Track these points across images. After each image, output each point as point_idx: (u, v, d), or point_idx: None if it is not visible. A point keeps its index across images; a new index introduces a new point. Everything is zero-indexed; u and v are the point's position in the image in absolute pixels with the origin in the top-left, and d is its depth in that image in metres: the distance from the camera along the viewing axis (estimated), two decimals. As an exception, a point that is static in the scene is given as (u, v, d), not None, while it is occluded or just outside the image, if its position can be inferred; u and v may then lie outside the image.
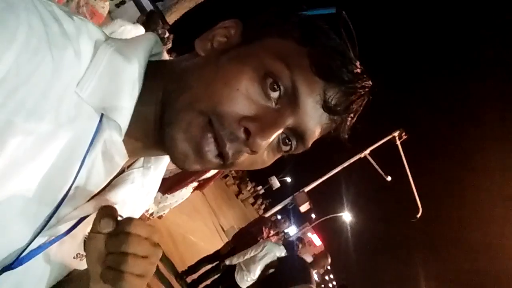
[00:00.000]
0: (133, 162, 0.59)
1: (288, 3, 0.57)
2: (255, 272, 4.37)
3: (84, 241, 0.52)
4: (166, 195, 3.67)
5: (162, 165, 0.64)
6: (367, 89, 0.55)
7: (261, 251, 4.49)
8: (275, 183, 21.00)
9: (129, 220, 0.48)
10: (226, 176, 19.44)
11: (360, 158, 12.66)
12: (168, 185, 3.35)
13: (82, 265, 0.58)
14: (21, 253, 0.47)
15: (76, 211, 0.51)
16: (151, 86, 0.52)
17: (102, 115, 0.48)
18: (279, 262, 4.37)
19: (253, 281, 4.39)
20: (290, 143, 0.54)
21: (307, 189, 12.51)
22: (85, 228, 0.54)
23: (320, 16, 0.56)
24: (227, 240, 5.53)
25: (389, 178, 12.56)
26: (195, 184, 3.84)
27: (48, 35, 0.42)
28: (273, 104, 0.51)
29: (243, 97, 0.49)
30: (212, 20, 0.59)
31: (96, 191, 0.52)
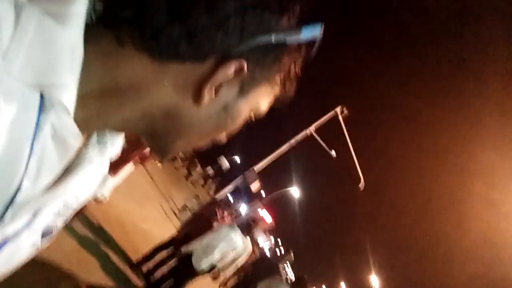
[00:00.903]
0: (86, 140, 0.52)
1: None
2: (213, 256, 4.43)
3: None
4: (109, 177, 3.53)
5: (117, 138, 0.59)
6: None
7: (217, 235, 4.55)
8: (225, 163, 21.04)
9: None
10: (174, 158, 19.14)
11: (306, 135, 13.05)
12: (112, 166, 3.21)
13: (37, 251, 0.57)
14: None
15: (32, 203, 0.47)
16: (92, 49, 0.44)
17: (42, 96, 0.41)
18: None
19: (211, 265, 4.45)
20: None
21: (256, 167, 12.71)
22: (44, 217, 0.52)
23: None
24: (180, 225, 5.51)
25: (333, 153, 13.09)
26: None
27: None
28: None
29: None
30: None
31: (52, 180, 0.48)
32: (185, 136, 0.53)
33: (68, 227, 3.51)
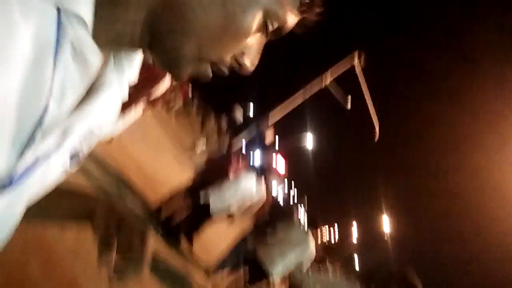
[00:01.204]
0: (104, 66, 0.53)
1: None
2: (230, 201, 4.55)
3: None
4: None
5: (135, 60, 0.59)
6: None
7: (233, 182, 4.63)
8: (239, 112, 21.00)
9: None
10: (189, 113, 19.17)
11: (322, 83, 12.77)
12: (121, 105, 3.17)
13: (65, 178, 0.58)
14: (12, 177, 0.44)
15: (60, 125, 0.47)
16: None
17: (59, 12, 0.41)
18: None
19: (228, 209, 4.57)
20: (271, 25, 0.55)
21: (271, 114, 12.64)
22: (72, 141, 0.52)
23: None
24: (195, 172, 5.60)
25: (349, 106, 12.85)
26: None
27: None
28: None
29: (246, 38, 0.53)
30: None
31: (75, 100, 0.48)
32: (192, 33, 0.49)
33: (86, 172, 3.60)
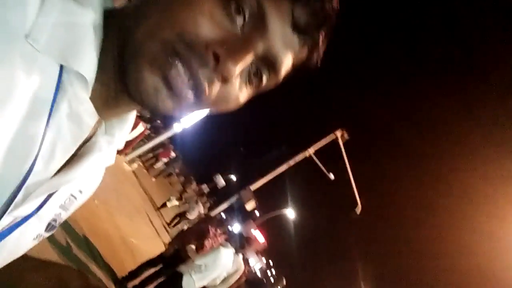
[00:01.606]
0: (95, 130, 0.52)
1: None
2: (204, 276, 4.24)
3: None
4: None
5: (125, 129, 0.58)
6: (334, 8, 0.53)
7: (209, 254, 4.39)
8: (220, 181, 20.85)
9: None
10: (170, 174, 18.94)
11: (304, 157, 12.93)
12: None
13: (36, 245, 0.55)
14: None
15: (44, 186, 0.45)
16: (109, 31, 0.47)
17: (61, 70, 0.42)
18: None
19: (202, 285, 4.25)
20: (262, 73, 0.52)
21: (252, 187, 12.54)
22: (53, 205, 0.51)
23: None
24: (170, 240, 5.31)
25: (332, 176, 12.95)
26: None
27: None
28: (239, 30, 0.47)
29: (208, 21, 0.45)
30: None
31: (63, 162, 0.47)
32: (148, 17, 0.46)
33: (50, 238, 3.32)
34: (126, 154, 10.01)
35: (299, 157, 12.94)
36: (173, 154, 15.34)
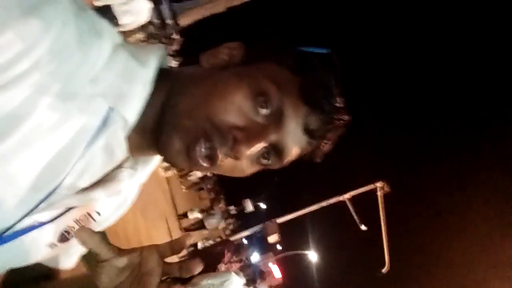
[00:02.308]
0: (123, 162, 0.60)
1: (288, 38, 0.65)
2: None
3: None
4: None
5: (148, 168, 0.66)
6: (343, 122, 0.61)
7: (220, 278, 4.21)
8: (249, 206, 20.65)
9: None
10: (201, 189, 19.02)
11: (339, 201, 12.47)
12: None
13: (51, 254, 0.61)
14: (5, 232, 0.50)
15: (66, 200, 0.53)
16: (158, 90, 0.56)
17: (109, 112, 0.51)
18: None
19: None
20: (268, 157, 0.60)
21: (279, 220, 12.23)
22: (68, 218, 0.59)
23: (314, 53, 0.62)
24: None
25: (364, 228, 12.35)
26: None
27: (79, 31, 0.47)
28: (261, 120, 0.57)
29: (236, 109, 0.55)
30: (221, 34, 0.57)
31: (88, 184, 0.55)
32: (190, 96, 0.56)
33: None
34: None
35: (333, 200, 12.50)
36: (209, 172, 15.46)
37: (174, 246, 0.57)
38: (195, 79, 0.59)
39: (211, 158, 0.55)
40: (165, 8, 9.52)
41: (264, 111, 0.56)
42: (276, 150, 0.59)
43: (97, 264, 0.52)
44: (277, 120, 0.57)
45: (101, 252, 0.51)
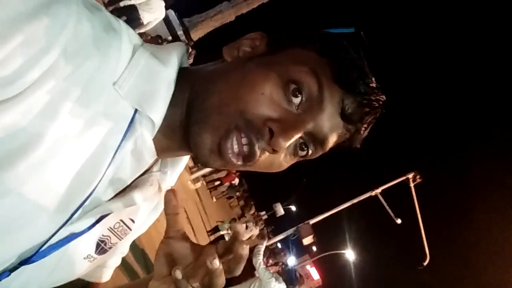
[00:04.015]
0: (151, 166, 0.60)
1: (309, 23, 0.63)
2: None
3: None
4: None
5: (177, 170, 0.65)
6: (381, 103, 0.58)
7: (260, 284, 4.20)
8: (280, 210, 20.57)
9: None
10: (231, 197, 19.12)
11: (370, 197, 12.23)
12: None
13: (89, 267, 0.59)
14: (42, 247, 0.48)
15: (99, 208, 0.51)
16: (180, 88, 0.55)
17: (134, 114, 0.50)
18: None
19: None
20: (306, 148, 0.57)
21: (312, 221, 12.11)
22: (102, 227, 0.57)
23: (340, 33, 0.60)
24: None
25: (399, 221, 12.05)
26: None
27: (95, 30, 0.45)
28: (294, 109, 0.54)
29: (268, 100, 0.52)
30: (232, 41, 0.63)
31: (120, 189, 0.54)
32: (217, 92, 0.54)
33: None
34: (191, 173, 10.27)
35: (364, 196, 12.27)
36: (236, 180, 15.53)
37: (231, 246, 0.52)
38: (220, 74, 0.56)
39: (250, 155, 0.52)
40: (177, 24, 9.72)
41: (297, 100, 0.53)
42: (315, 139, 0.56)
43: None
44: (312, 107, 0.54)
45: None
